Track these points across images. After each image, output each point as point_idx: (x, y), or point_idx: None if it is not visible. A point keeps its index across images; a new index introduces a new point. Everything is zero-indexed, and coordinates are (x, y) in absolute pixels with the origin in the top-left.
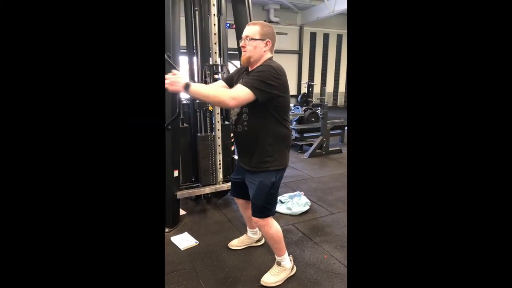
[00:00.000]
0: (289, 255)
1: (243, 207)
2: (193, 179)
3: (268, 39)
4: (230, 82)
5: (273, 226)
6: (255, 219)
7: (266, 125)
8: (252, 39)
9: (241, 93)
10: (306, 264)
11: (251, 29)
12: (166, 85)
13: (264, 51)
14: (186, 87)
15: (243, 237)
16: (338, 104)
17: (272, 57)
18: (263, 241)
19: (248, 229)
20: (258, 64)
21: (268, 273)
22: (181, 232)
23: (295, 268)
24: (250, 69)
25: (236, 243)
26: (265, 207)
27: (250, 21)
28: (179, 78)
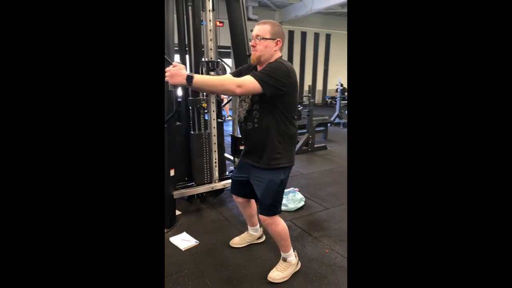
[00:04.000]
0: (293, 251)
1: (243, 205)
2: (186, 179)
3: (278, 38)
4: (239, 76)
5: (280, 224)
6: (262, 217)
7: (276, 122)
8: (263, 38)
9: (248, 82)
10: (309, 259)
11: (262, 28)
12: (166, 78)
13: (275, 51)
14: (189, 79)
15: (244, 235)
16: (316, 102)
17: (281, 56)
18: (264, 238)
19: (249, 227)
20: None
21: (274, 269)
22: (179, 232)
23: (299, 263)
24: (259, 67)
25: (237, 241)
26: (273, 205)
27: (244, 18)
28: (181, 70)
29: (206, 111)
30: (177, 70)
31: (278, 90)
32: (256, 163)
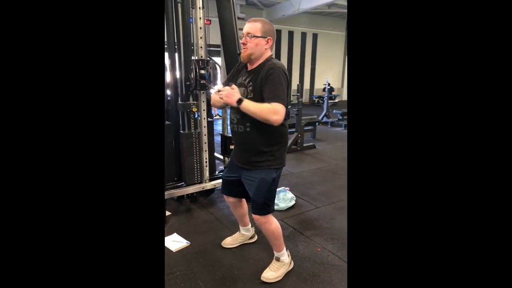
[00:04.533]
0: (286, 250)
1: (234, 205)
2: (176, 179)
3: (269, 37)
4: (231, 80)
5: (273, 223)
6: (256, 216)
7: (270, 125)
8: (254, 36)
9: (279, 109)
10: (301, 258)
11: (253, 26)
12: (222, 95)
13: (265, 49)
14: (239, 101)
15: (236, 235)
16: (303, 101)
17: (272, 55)
18: (256, 237)
19: (240, 227)
20: (260, 61)
21: (268, 268)
22: (170, 233)
23: (292, 262)
24: (250, 66)
25: (229, 241)
26: (266, 204)
27: (235, 17)
28: (236, 92)
29: (195, 114)
30: (233, 92)
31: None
32: (246, 165)
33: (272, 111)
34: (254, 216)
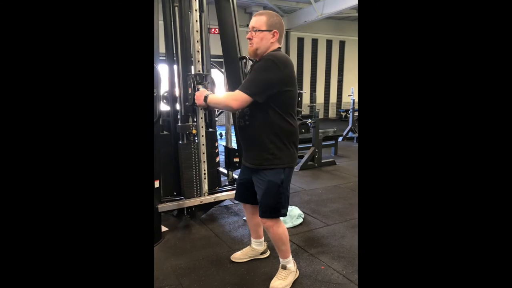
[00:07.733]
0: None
1: (250, 213)
2: (175, 193)
3: (275, 30)
4: None
5: (282, 226)
6: (263, 220)
7: (268, 120)
8: (258, 30)
9: (239, 96)
10: (301, 276)
11: (258, 20)
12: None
13: (271, 43)
14: (205, 98)
15: (247, 249)
16: (329, 116)
17: (279, 47)
18: (268, 253)
19: (252, 239)
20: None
21: (275, 278)
22: (165, 249)
23: (298, 271)
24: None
25: (239, 255)
26: (275, 208)
27: (235, 18)
28: (203, 92)
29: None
30: (200, 93)
31: (271, 91)
32: (247, 163)
33: (231, 97)
34: (261, 219)
